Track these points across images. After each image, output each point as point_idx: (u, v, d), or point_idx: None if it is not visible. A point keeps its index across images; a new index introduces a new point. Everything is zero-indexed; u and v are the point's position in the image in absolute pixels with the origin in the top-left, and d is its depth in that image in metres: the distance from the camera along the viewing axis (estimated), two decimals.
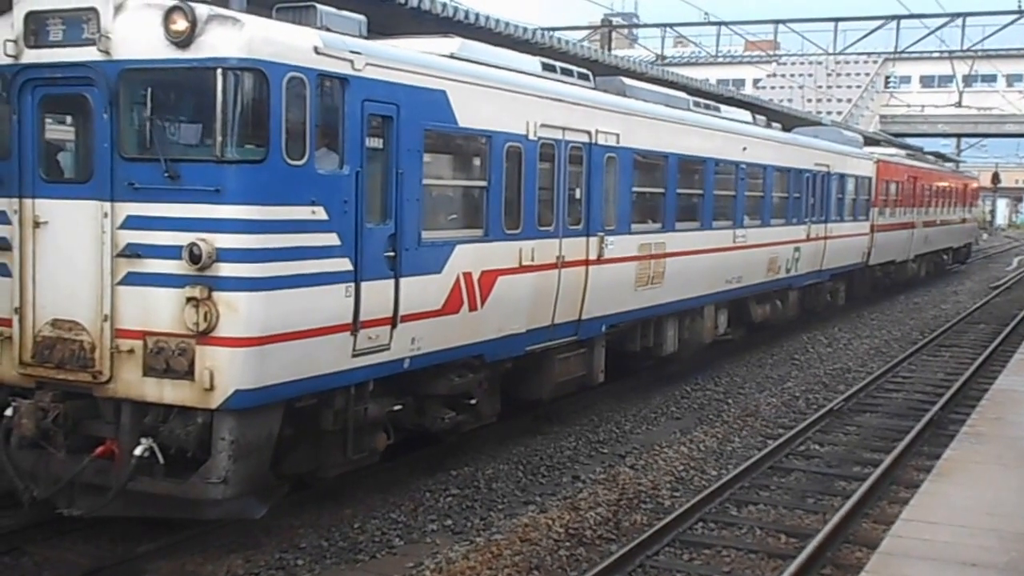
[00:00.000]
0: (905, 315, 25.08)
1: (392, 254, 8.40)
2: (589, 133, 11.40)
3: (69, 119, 8.78)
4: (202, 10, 7.22)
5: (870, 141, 32.53)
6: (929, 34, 32.96)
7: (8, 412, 7.61)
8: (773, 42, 43.73)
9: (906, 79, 65.57)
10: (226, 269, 7.14)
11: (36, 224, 7.71)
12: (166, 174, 7.24)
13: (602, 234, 11.68)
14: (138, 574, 7.72)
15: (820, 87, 54.09)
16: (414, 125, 8.61)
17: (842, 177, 21.49)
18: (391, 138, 8.40)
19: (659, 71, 22.88)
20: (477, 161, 10.10)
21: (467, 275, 9.40)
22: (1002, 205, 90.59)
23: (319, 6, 8.30)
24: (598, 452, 11.49)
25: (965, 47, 33.17)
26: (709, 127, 15.09)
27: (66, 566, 7.75)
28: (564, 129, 10.92)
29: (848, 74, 58.50)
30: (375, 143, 8.30)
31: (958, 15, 30.75)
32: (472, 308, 9.51)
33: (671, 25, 37.11)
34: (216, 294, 7.13)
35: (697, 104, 15.33)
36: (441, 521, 8.94)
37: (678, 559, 8.29)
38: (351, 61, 7.90)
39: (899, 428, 12.68)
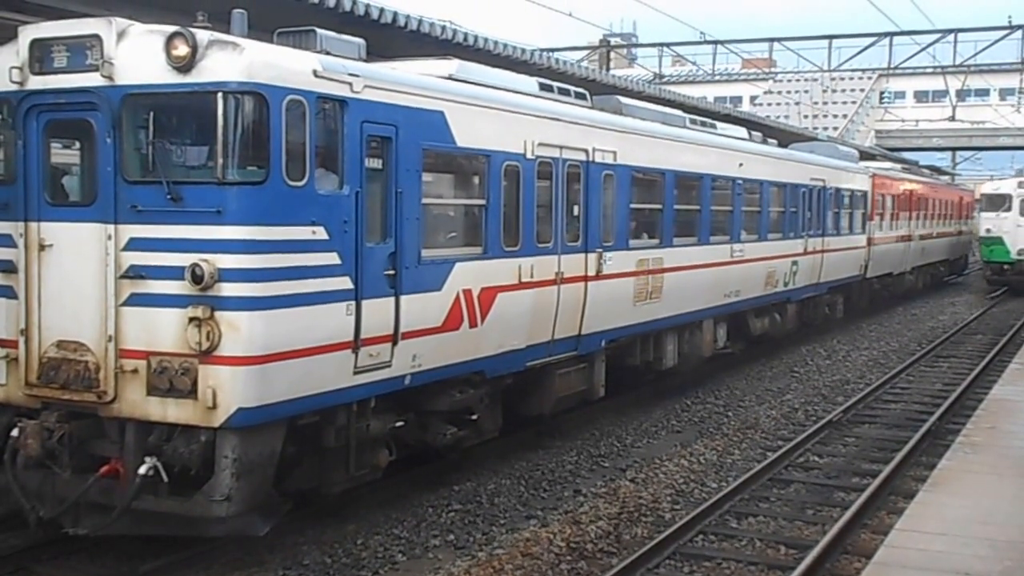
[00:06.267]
0: (903, 327, 25.18)
1: (392, 272, 8.50)
2: (586, 151, 11.53)
3: (76, 143, 8.90)
4: (203, 35, 7.36)
5: (866, 156, 32.74)
6: (921, 50, 33.19)
7: (14, 433, 7.68)
8: (769, 60, 43.94)
9: (900, 94, 65.91)
10: (228, 289, 7.24)
11: (41, 247, 7.82)
12: (168, 196, 7.35)
13: (600, 250, 11.79)
14: None
15: (816, 103, 54.38)
16: (413, 145, 8.73)
17: (838, 191, 21.63)
18: (390, 158, 8.52)
19: (656, 90, 23.07)
20: (476, 180, 10.21)
21: (467, 292, 9.50)
22: None
23: (319, 30, 8.44)
24: (599, 466, 11.56)
25: (957, 62, 33.38)
26: (705, 144, 15.24)
27: None
28: (562, 148, 11.05)
29: (843, 90, 58.83)
30: (374, 163, 8.42)
31: (949, 31, 30.98)
32: (472, 325, 9.61)
33: (668, 44, 37.37)
34: (218, 314, 7.22)
35: (693, 121, 15.48)
36: (443, 536, 9.01)
37: (679, 571, 8.34)
38: (350, 84, 8.03)
39: (897, 439, 12.76)
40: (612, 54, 39.82)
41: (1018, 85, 47.52)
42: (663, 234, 13.58)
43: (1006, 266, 32.13)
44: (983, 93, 56.04)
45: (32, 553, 8.26)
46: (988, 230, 32.52)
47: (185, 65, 7.28)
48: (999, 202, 32.49)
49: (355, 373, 8.17)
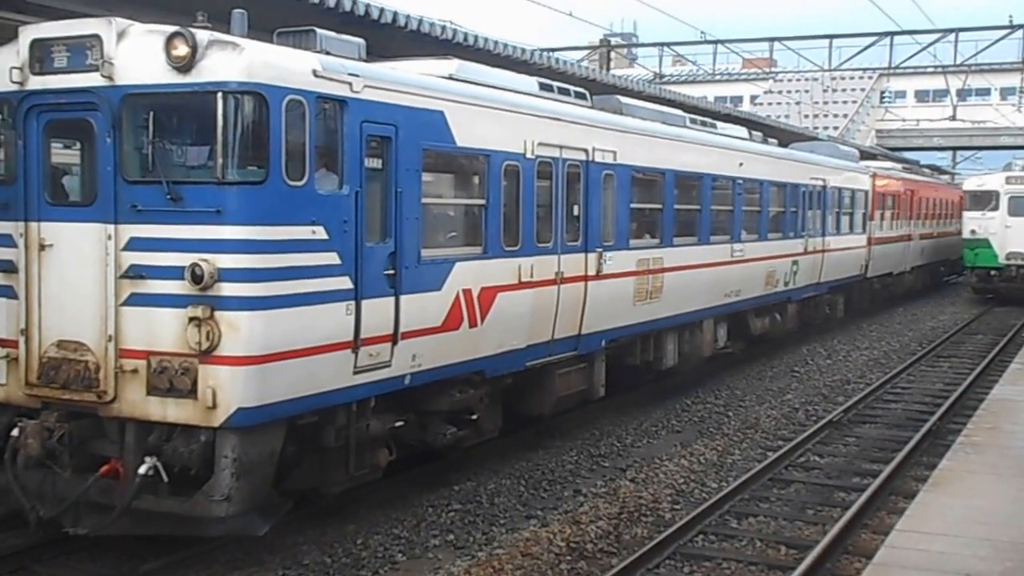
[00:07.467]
0: (903, 326, 25.18)
1: (392, 272, 8.51)
2: (586, 151, 11.53)
3: (76, 143, 8.90)
4: (203, 35, 7.36)
5: (867, 155, 32.72)
6: (922, 50, 33.15)
7: (14, 432, 7.68)
8: (769, 59, 43.91)
9: (901, 94, 65.89)
10: (228, 289, 7.24)
11: (41, 247, 7.82)
12: (168, 196, 7.36)
13: (600, 250, 11.79)
14: None
15: (816, 103, 54.37)
16: (413, 145, 8.73)
17: (839, 191, 21.63)
18: (390, 158, 8.52)
19: (656, 89, 23.07)
20: (476, 179, 10.21)
21: (467, 292, 9.50)
22: None
23: (318, 30, 8.44)
24: (599, 466, 11.55)
25: (958, 62, 33.36)
26: (705, 143, 15.24)
27: None
28: (562, 147, 11.05)
29: (844, 90, 58.84)
30: (374, 163, 8.42)
31: (950, 31, 30.95)
32: (472, 324, 9.61)
33: (668, 44, 37.31)
34: (218, 314, 7.22)
35: (693, 121, 15.48)
36: (443, 536, 9.00)
37: (679, 572, 8.34)
38: (350, 83, 8.03)
39: (898, 439, 12.76)
40: (612, 54, 39.81)
41: (1019, 84, 47.49)
42: (663, 234, 13.57)
43: (993, 272, 28.68)
44: (984, 93, 56.00)
45: (32, 553, 8.26)
46: (972, 231, 28.66)
47: (185, 65, 7.28)
48: (985, 200, 28.71)
49: (355, 373, 8.17)
